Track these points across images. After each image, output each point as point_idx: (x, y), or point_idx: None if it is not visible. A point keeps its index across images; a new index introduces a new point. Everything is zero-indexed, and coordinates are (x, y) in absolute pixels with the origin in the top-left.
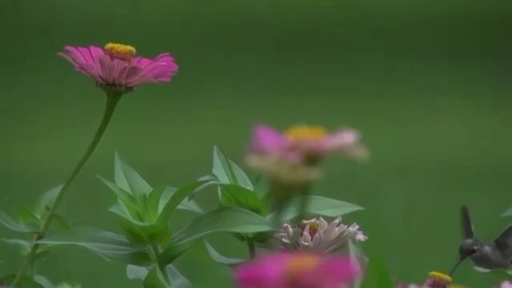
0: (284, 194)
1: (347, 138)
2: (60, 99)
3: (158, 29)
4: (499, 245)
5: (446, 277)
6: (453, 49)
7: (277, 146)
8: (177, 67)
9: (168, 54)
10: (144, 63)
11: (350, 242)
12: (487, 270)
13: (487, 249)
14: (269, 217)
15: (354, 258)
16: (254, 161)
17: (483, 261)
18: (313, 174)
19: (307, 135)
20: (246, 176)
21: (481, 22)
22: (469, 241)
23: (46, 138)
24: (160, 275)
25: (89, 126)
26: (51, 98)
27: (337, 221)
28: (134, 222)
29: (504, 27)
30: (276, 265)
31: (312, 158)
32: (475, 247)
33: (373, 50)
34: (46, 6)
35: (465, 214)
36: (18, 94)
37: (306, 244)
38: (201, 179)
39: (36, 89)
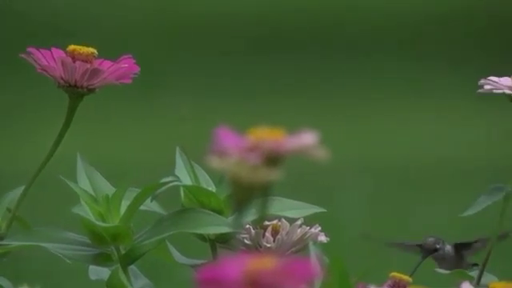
0: (245, 194)
1: (307, 138)
2: (21, 101)
3: (119, 29)
4: (460, 245)
5: (407, 277)
6: (418, 47)
7: (237, 147)
8: (138, 69)
9: (130, 55)
10: (106, 65)
11: (310, 243)
12: (448, 272)
13: (449, 248)
14: (231, 218)
15: (315, 259)
16: (214, 161)
17: (445, 260)
18: (273, 174)
19: (267, 136)
20: (208, 177)
21: (452, 20)
22: (431, 239)
23: (7, 139)
24: (122, 276)
25: (51, 127)
26: (12, 99)
27: (299, 222)
28: (97, 222)
29: (479, 27)
30: (236, 265)
31: (272, 159)
32: (437, 246)
33: (335, 49)
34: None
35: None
36: None
37: (268, 245)
38: (163, 180)
39: None
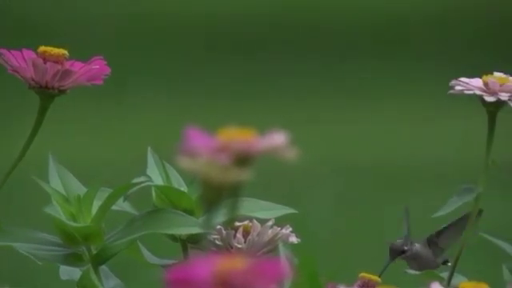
0: (215, 195)
1: (278, 139)
2: None
3: (90, 29)
4: (430, 243)
5: (376, 278)
6: (390, 48)
7: (207, 147)
8: (109, 70)
9: (101, 56)
10: (77, 66)
11: (280, 244)
12: (418, 272)
13: (418, 247)
14: (202, 218)
15: (285, 260)
16: (184, 162)
17: (416, 260)
18: (243, 175)
19: (238, 136)
20: (180, 177)
21: (413, 22)
22: (398, 241)
23: None
24: (93, 276)
25: (22, 127)
26: None
27: (270, 223)
28: (68, 222)
29: (431, 28)
30: (207, 266)
31: (242, 160)
32: (405, 248)
33: (305, 49)
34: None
35: (406, 214)
36: None
37: (239, 246)
38: (135, 180)
39: None
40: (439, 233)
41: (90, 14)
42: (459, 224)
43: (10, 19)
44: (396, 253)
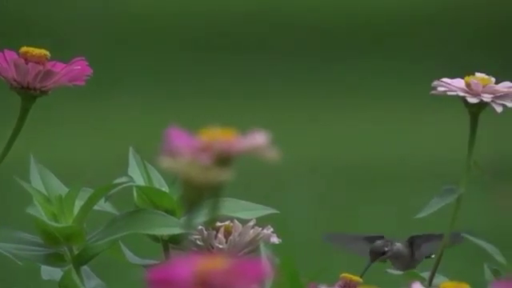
0: (196, 195)
1: (259, 139)
2: None
3: (71, 30)
4: (412, 243)
5: (357, 278)
6: (367, 48)
7: (188, 147)
8: (91, 71)
9: (82, 57)
10: (59, 67)
11: (261, 244)
12: (399, 272)
13: (398, 246)
14: (183, 219)
15: (265, 260)
16: (166, 162)
17: (397, 259)
18: (224, 175)
19: (219, 136)
20: (161, 177)
21: (394, 22)
22: (379, 242)
23: None
24: (75, 276)
25: (4, 128)
26: None
27: (251, 223)
28: (50, 222)
29: (414, 29)
30: (187, 266)
31: (223, 159)
32: (385, 249)
33: (284, 50)
34: None
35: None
36: None
37: (221, 246)
38: (116, 181)
39: None
40: (423, 238)
41: (74, 15)
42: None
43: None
44: (376, 254)
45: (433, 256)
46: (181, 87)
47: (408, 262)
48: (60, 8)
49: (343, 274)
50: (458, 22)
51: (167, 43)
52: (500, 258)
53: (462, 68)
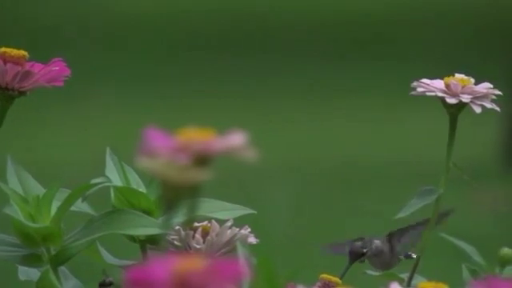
0: (174, 195)
1: (236, 139)
2: None
3: (50, 31)
4: (391, 239)
5: (336, 279)
6: (345, 49)
7: (166, 147)
8: (69, 72)
9: (60, 58)
10: (37, 68)
11: (238, 244)
12: (377, 273)
13: (377, 243)
14: (161, 219)
15: (243, 260)
16: (143, 162)
17: (377, 257)
18: (202, 175)
19: (197, 136)
20: (138, 178)
21: (359, 23)
22: (357, 244)
23: None
24: (52, 277)
25: None
26: None
27: (229, 223)
28: (27, 223)
29: (382, 29)
30: (165, 266)
31: (201, 160)
32: (364, 250)
33: (259, 50)
34: None
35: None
36: None
37: (198, 247)
38: (94, 181)
39: None
40: (402, 230)
41: (53, 15)
42: (423, 224)
43: None
44: (356, 255)
45: (413, 256)
46: (159, 87)
47: (389, 258)
48: (37, 7)
49: (322, 275)
50: (445, 22)
51: (146, 43)
52: (478, 259)
53: (448, 69)
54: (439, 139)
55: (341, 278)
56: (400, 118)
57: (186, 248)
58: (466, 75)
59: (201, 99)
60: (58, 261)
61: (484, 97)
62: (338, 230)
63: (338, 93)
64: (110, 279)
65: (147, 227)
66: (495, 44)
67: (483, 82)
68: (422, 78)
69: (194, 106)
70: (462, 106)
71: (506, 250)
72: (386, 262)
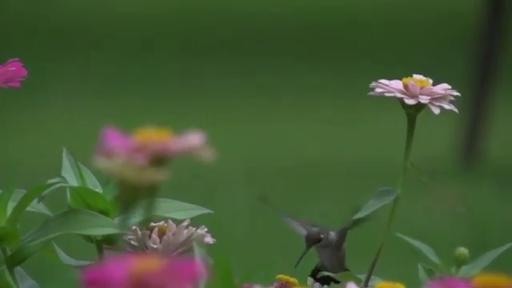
0: (131, 195)
1: (194, 139)
2: None
3: (5, 31)
4: (344, 233)
5: (293, 280)
6: (297, 49)
7: (123, 147)
8: (26, 72)
9: (17, 59)
10: None
11: (195, 244)
12: (334, 274)
13: (333, 234)
14: (117, 219)
15: (199, 260)
16: (100, 162)
17: (328, 248)
18: (159, 175)
19: (154, 136)
20: (95, 178)
21: (324, 25)
22: (315, 229)
23: None
24: (9, 278)
25: None
26: None
27: (185, 223)
28: None
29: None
30: (122, 266)
31: (159, 160)
32: (321, 236)
33: (218, 50)
34: None
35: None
36: None
37: (155, 247)
38: (50, 181)
39: None
40: (355, 222)
41: (11, 14)
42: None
43: None
44: (312, 241)
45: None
46: (115, 88)
47: (336, 252)
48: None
49: (279, 276)
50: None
51: (100, 44)
52: (434, 258)
53: (408, 71)
54: (399, 140)
55: (296, 266)
56: (361, 119)
57: (142, 248)
58: (425, 76)
59: (158, 99)
60: (13, 261)
61: (442, 98)
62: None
63: (300, 93)
64: None
65: (104, 227)
66: (453, 46)
67: (441, 83)
68: (381, 78)
69: (151, 106)
70: (420, 106)
71: (461, 250)
72: (334, 255)
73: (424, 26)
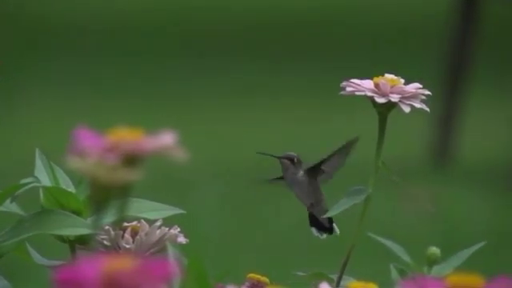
0: (103, 195)
1: (166, 139)
2: None
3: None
4: (310, 172)
5: (264, 279)
6: (268, 48)
7: (96, 147)
8: None
9: None
10: None
11: (168, 244)
12: (305, 274)
13: (302, 173)
14: (90, 219)
15: (173, 260)
16: (73, 162)
17: (299, 184)
18: (132, 175)
19: (126, 136)
20: (68, 178)
21: (299, 24)
22: (291, 153)
23: None
24: None
25: None
26: None
27: (158, 223)
28: None
29: (321, 31)
30: (94, 266)
31: (131, 160)
32: (295, 159)
33: (183, 51)
34: None
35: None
36: None
37: (128, 246)
38: (23, 181)
39: None
40: (324, 160)
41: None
42: (343, 150)
43: None
44: (285, 157)
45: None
46: (89, 88)
47: (307, 188)
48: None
49: (250, 275)
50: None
51: (78, 43)
52: (406, 258)
53: (380, 70)
54: (371, 139)
55: (258, 153)
56: (331, 118)
57: (115, 248)
58: (396, 75)
59: (131, 100)
60: None
61: (413, 97)
62: (268, 230)
63: (270, 93)
64: None
65: (76, 227)
66: (426, 46)
67: (414, 82)
68: (352, 77)
69: (124, 106)
70: (391, 105)
71: (433, 250)
72: (305, 190)
73: (397, 26)
